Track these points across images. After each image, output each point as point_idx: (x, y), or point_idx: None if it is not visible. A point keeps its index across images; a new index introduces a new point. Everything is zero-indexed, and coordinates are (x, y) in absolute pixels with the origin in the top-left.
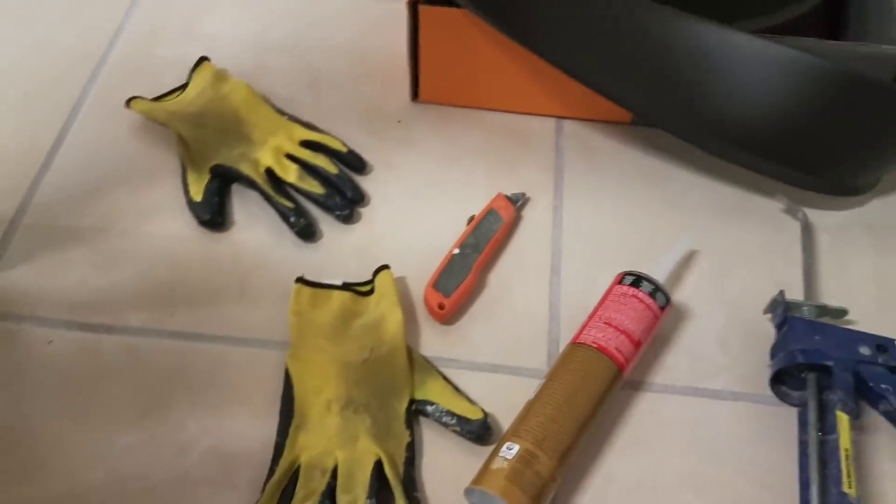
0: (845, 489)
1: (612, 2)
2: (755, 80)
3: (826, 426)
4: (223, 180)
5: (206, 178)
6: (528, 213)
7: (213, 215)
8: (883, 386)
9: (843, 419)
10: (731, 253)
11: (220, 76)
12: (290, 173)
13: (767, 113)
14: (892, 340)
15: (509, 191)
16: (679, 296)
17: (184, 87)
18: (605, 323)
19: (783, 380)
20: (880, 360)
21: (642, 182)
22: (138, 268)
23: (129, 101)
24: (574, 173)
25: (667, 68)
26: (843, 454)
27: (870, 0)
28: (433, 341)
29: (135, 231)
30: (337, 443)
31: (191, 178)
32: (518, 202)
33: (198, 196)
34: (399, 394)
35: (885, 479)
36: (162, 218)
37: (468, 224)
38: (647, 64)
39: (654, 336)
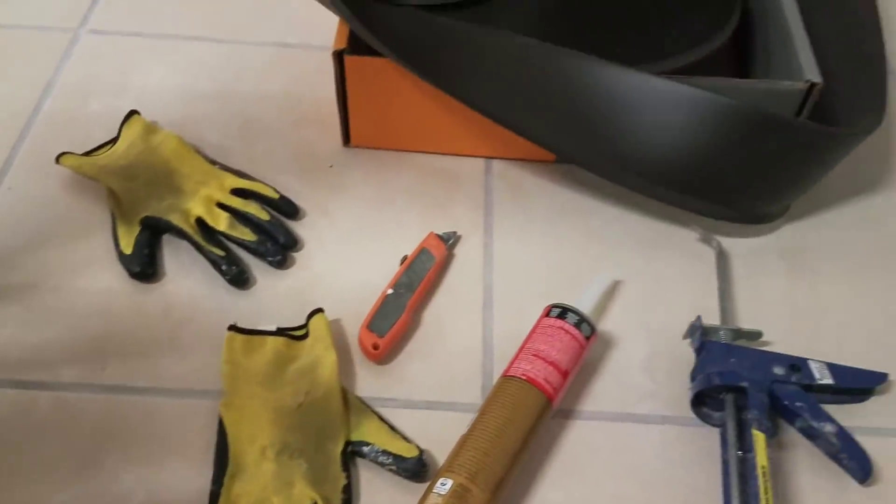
0: None
1: (527, 49)
2: (665, 118)
3: (745, 445)
4: (154, 232)
5: (136, 230)
6: (459, 250)
7: (144, 267)
8: (797, 404)
9: (759, 437)
10: (652, 282)
11: (151, 129)
12: (221, 222)
13: (678, 149)
14: (805, 360)
15: (441, 230)
16: (605, 325)
17: (114, 140)
18: (533, 355)
19: (704, 402)
20: (794, 379)
21: (567, 217)
22: (69, 323)
23: (59, 157)
24: (503, 211)
25: (582, 110)
26: (759, 471)
27: (772, 38)
28: (369, 382)
29: (66, 286)
30: (273, 489)
31: (121, 230)
32: (450, 241)
33: (128, 248)
34: (335, 436)
35: (803, 492)
36: (93, 272)
37: (401, 264)
38: (564, 107)
39: (582, 365)
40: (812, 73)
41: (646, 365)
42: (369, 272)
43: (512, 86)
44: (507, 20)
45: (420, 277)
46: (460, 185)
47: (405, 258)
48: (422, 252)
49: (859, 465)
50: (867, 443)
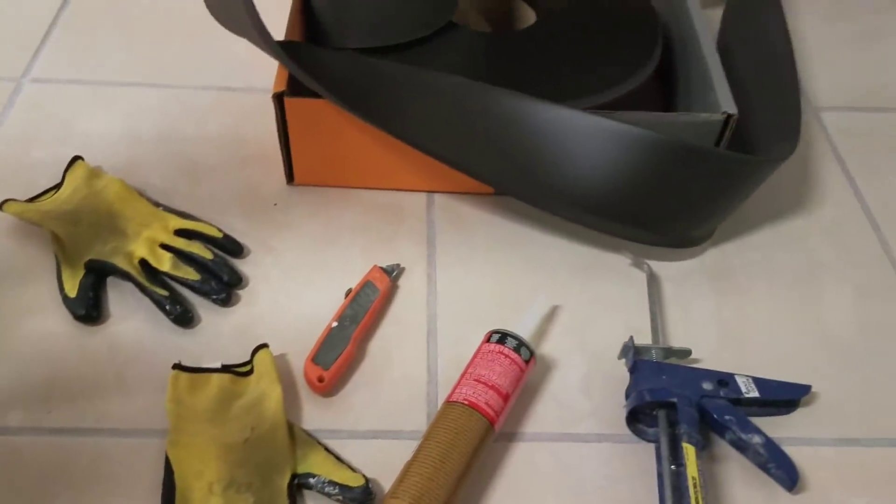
0: None
1: (461, 89)
2: (594, 151)
3: (678, 458)
4: (98, 275)
5: (80, 273)
6: (403, 282)
7: (88, 310)
8: (726, 417)
9: (689, 450)
10: (588, 306)
11: (95, 173)
12: (165, 262)
13: (607, 180)
14: (732, 375)
15: (385, 263)
16: (544, 348)
17: (58, 186)
18: (475, 380)
19: (639, 418)
20: (722, 394)
21: (507, 246)
22: (14, 367)
23: (2, 204)
24: (445, 242)
25: (515, 145)
26: (690, 482)
27: (692, 73)
28: (315, 414)
29: (10, 331)
30: None
31: (65, 274)
32: (393, 273)
33: (72, 292)
34: (281, 469)
35: (735, 502)
36: (38, 316)
37: (346, 297)
38: (498, 142)
39: (523, 388)
40: (728, 106)
41: (583, 385)
42: (314, 306)
43: (448, 124)
44: (441, 62)
45: (365, 309)
46: (403, 218)
47: (350, 291)
48: (366, 285)
49: (787, 474)
50: (794, 452)
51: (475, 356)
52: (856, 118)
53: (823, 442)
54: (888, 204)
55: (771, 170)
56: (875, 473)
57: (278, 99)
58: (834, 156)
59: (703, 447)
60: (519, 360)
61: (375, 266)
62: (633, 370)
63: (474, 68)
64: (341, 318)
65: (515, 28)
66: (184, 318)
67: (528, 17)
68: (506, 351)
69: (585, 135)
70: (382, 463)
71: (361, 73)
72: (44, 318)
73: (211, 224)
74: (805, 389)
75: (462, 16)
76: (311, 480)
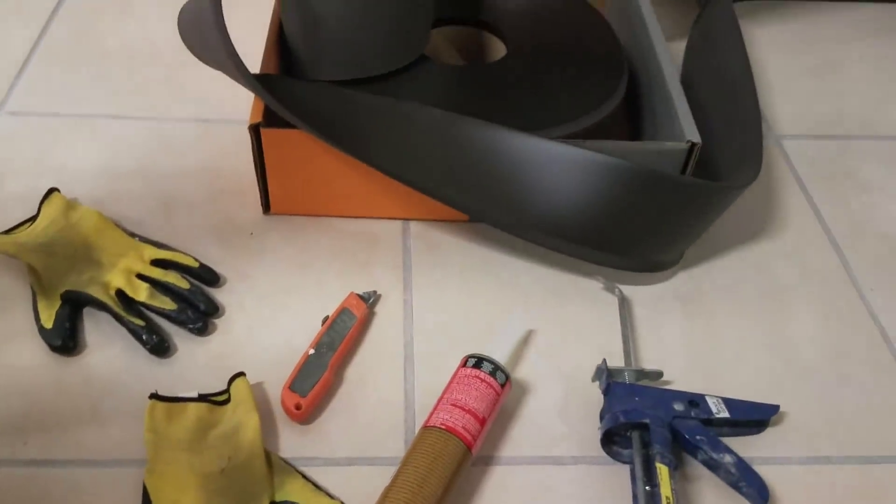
0: None
1: (434, 119)
2: (564, 179)
3: (651, 478)
4: (74, 305)
5: (56, 304)
6: (380, 309)
7: (65, 340)
8: (697, 437)
9: (662, 470)
10: (562, 330)
11: (71, 205)
12: (141, 292)
13: (578, 207)
14: (703, 396)
15: (362, 290)
16: (519, 372)
17: (33, 218)
18: (451, 405)
19: (613, 440)
20: (693, 414)
21: (482, 272)
22: None
23: None
24: (421, 269)
25: (488, 174)
26: (664, 502)
27: (657, 105)
28: (293, 442)
29: None
30: None
31: (41, 305)
32: (370, 300)
33: (48, 323)
34: (258, 498)
35: None
36: (13, 347)
37: (323, 324)
38: (471, 171)
39: (499, 412)
40: (692, 135)
41: (559, 408)
42: (291, 334)
43: (422, 153)
44: (414, 94)
45: (341, 336)
46: (379, 245)
47: (326, 318)
48: (343, 312)
49: (758, 493)
50: (764, 471)
51: (451, 381)
52: (816, 145)
53: (793, 460)
54: (848, 227)
55: (735, 195)
56: (844, 491)
57: (254, 130)
58: (796, 181)
59: (676, 467)
60: (495, 384)
61: (352, 293)
62: (606, 392)
63: (446, 100)
64: (318, 345)
65: (485, 61)
66: (160, 347)
67: (499, 50)
68: (482, 375)
69: (556, 163)
70: (360, 489)
71: (336, 104)
72: (19, 348)
73: (187, 254)
74: (774, 409)
75: (433, 49)
76: None
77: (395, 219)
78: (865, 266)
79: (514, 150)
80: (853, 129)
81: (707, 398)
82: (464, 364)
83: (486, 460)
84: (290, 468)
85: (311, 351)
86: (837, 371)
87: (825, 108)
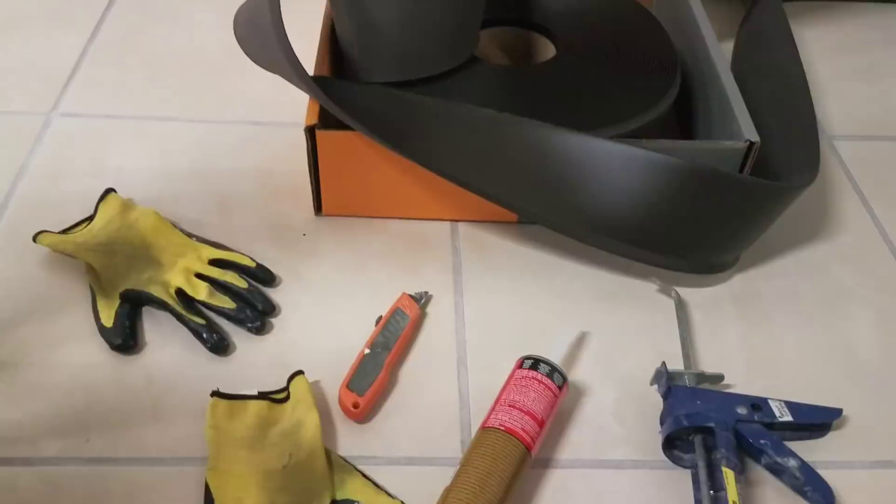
0: None
1: (488, 120)
2: (620, 178)
3: (716, 483)
4: (134, 304)
5: (116, 303)
6: (432, 309)
7: (125, 339)
8: (762, 441)
9: (728, 475)
10: (617, 332)
11: (128, 205)
12: (201, 291)
13: (634, 207)
14: (766, 399)
15: (413, 291)
16: (575, 375)
17: (91, 218)
18: (509, 406)
19: (675, 444)
20: (756, 418)
21: (532, 274)
22: (52, 398)
23: (36, 236)
24: (471, 270)
25: (542, 174)
26: None
27: (711, 104)
28: (351, 440)
29: (47, 361)
30: None
31: (101, 304)
32: (422, 300)
33: (108, 322)
34: (320, 496)
35: None
36: (74, 346)
37: (376, 324)
38: (525, 171)
39: (557, 414)
40: (751, 134)
41: (616, 411)
42: (346, 334)
43: (475, 153)
44: (466, 93)
45: (395, 336)
46: (429, 247)
47: (380, 318)
48: (396, 312)
49: (823, 497)
50: (828, 475)
51: (508, 382)
52: (869, 146)
53: (857, 465)
54: None
55: (795, 196)
56: None
57: (310, 132)
58: (850, 183)
59: (742, 471)
60: (552, 385)
61: (404, 293)
62: (666, 396)
63: (498, 100)
64: (373, 345)
65: (535, 62)
66: (220, 346)
67: (547, 51)
68: (539, 377)
69: (612, 162)
70: (419, 489)
71: (389, 106)
72: (80, 348)
73: (243, 254)
74: (837, 413)
75: (483, 50)
76: None
77: (444, 220)
78: None
79: (568, 150)
80: None
81: (770, 401)
82: (520, 365)
83: (545, 463)
84: (350, 466)
85: (367, 350)
86: None
87: (875, 109)
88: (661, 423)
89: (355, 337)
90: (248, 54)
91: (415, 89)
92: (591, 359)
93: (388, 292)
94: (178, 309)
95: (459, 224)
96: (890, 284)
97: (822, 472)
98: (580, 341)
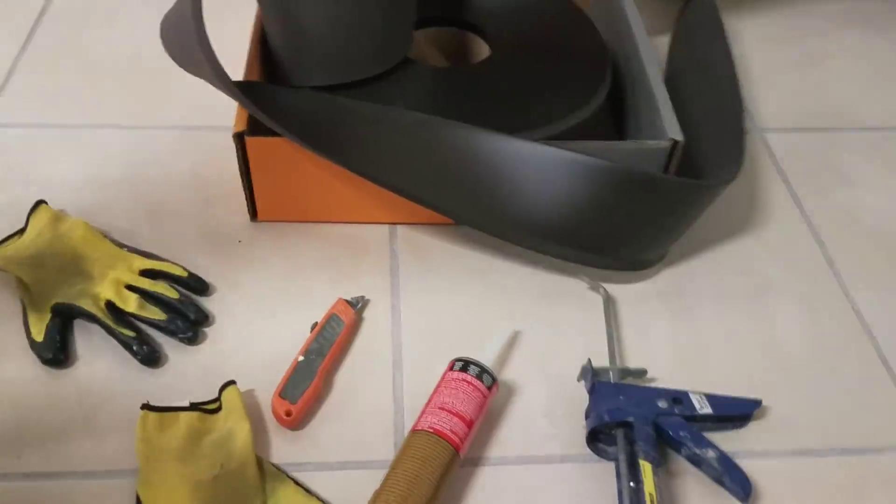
0: None
1: (419, 124)
2: (545, 180)
3: (636, 475)
4: (64, 318)
5: (47, 317)
6: (368, 314)
7: (56, 353)
8: (681, 434)
9: (646, 467)
10: (548, 331)
11: (58, 217)
12: (131, 303)
13: (561, 208)
14: (686, 393)
15: (350, 296)
16: (506, 374)
17: (21, 231)
18: (439, 408)
19: (599, 438)
20: (676, 411)
21: (469, 275)
22: None
23: None
24: (408, 273)
25: (472, 177)
26: (647, 498)
27: (640, 103)
28: (285, 448)
29: None
30: None
31: (32, 318)
32: (358, 305)
33: (39, 336)
34: None
35: None
36: (4, 361)
37: (311, 331)
38: (456, 175)
39: (486, 414)
40: (675, 132)
41: (545, 409)
42: (280, 341)
43: (407, 158)
44: (398, 97)
45: (330, 343)
46: (366, 251)
47: (315, 325)
48: (331, 318)
49: (741, 486)
50: (748, 465)
51: (439, 384)
52: (800, 138)
53: (776, 454)
54: (832, 221)
55: (717, 193)
56: (827, 483)
57: (239, 138)
58: (779, 175)
59: (660, 464)
60: (482, 386)
61: (340, 299)
62: (591, 392)
63: (431, 102)
64: (307, 351)
65: (469, 62)
66: (151, 358)
67: (482, 51)
68: (468, 378)
69: (540, 165)
70: (351, 493)
71: (320, 111)
72: (10, 362)
73: (175, 263)
74: (756, 404)
75: (419, 51)
76: None
77: (381, 223)
78: (849, 261)
79: (496, 153)
80: (836, 122)
81: (690, 395)
82: (451, 367)
83: (475, 461)
84: (281, 474)
85: (301, 358)
86: (821, 365)
87: (808, 101)
88: (586, 417)
89: (290, 344)
90: (175, 60)
91: (347, 92)
92: (522, 357)
93: (324, 298)
94: (108, 322)
95: (397, 227)
96: (815, 277)
97: (742, 462)
98: (512, 341)
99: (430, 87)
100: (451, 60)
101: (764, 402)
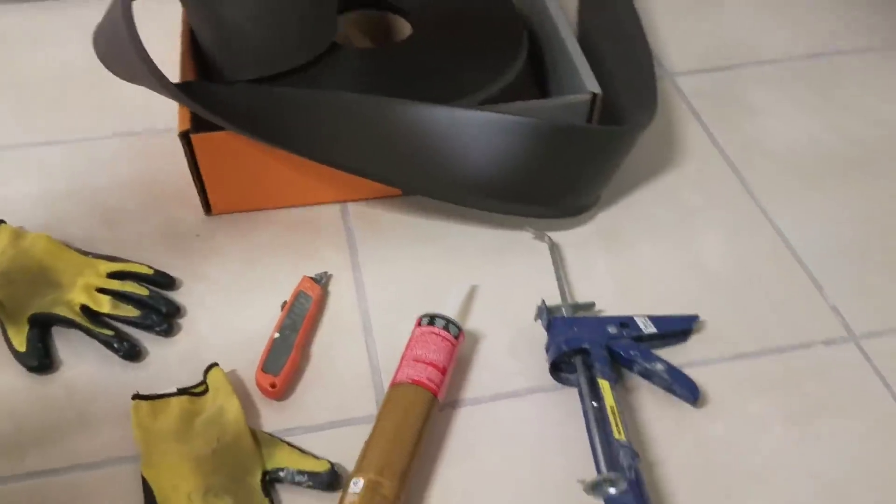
0: (616, 436)
1: (356, 103)
2: (482, 142)
3: (597, 395)
4: (43, 326)
5: (25, 328)
6: (333, 288)
7: (41, 360)
8: (631, 353)
9: (605, 386)
10: (502, 281)
11: (19, 234)
12: (104, 304)
13: (497, 166)
14: (632, 317)
15: (313, 273)
16: (471, 325)
17: None
18: (414, 360)
19: (560, 368)
20: (625, 334)
21: (422, 241)
22: None
23: None
24: (365, 246)
25: (412, 147)
26: (609, 411)
27: (558, 62)
28: (274, 418)
29: None
30: None
31: (11, 331)
32: (322, 280)
33: (21, 346)
34: (252, 470)
35: (651, 421)
36: None
37: (282, 309)
38: (396, 147)
39: (456, 361)
40: (593, 86)
41: (509, 350)
42: (253, 322)
43: (349, 137)
44: (331, 79)
45: (301, 317)
46: (322, 230)
47: (285, 303)
48: (299, 295)
49: (689, 392)
50: (693, 373)
51: (410, 340)
52: (707, 77)
53: (717, 361)
54: (742, 149)
55: (637, 136)
56: (763, 380)
57: (185, 137)
58: (692, 114)
59: (616, 381)
60: (449, 336)
61: (305, 277)
62: (548, 328)
63: (362, 83)
64: (282, 328)
65: (394, 41)
66: (132, 353)
67: (405, 29)
68: (436, 330)
69: (475, 129)
70: (342, 448)
71: (257, 102)
72: None
73: (140, 263)
74: (694, 319)
75: (343, 36)
76: (281, 473)
77: (333, 203)
78: (761, 181)
79: (433, 122)
80: (737, 58)
81: (636, 318)
82: (419, 324)
83: (453, 404)
84: (275, 439)
85: (276, 334)
86: (747, 278)
87: (709, 41)
88: (547, 351)
89: (262, 325)
90: (111, 70)
91: (282, 82)
92: (483, 308)
93: (288, 278)
94: (86, 324)
95: (349, 204)
96: (733, 201)
97: (688, 371)
98: (471, 294)
99: (360, 69)
100: (376, 42)
101: (701, 317)
